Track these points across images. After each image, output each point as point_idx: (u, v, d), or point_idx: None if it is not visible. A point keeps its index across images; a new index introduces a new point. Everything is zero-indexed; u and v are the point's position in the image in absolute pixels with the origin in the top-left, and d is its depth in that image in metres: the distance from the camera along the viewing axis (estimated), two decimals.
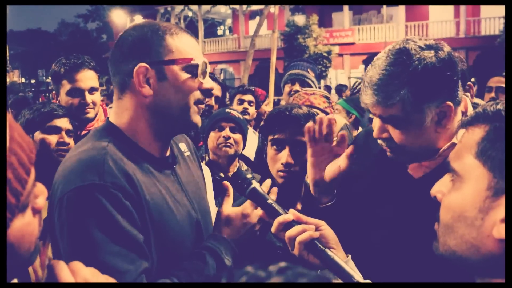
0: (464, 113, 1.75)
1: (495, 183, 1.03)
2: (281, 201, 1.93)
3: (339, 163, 1.73)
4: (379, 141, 1.76)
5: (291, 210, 1.59)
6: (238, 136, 3.27)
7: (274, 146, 2.11)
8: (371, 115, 3.48)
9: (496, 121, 1.06)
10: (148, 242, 1.48)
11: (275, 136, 2.10)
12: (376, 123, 1.71)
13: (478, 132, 1.09)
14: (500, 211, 1.02)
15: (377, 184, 1.79)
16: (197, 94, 1.62)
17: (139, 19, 35.49)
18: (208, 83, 1.65)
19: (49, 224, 1.50)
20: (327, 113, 3.03)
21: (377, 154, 1.89)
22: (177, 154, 1.79)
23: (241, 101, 4.77)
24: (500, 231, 1.01)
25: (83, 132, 3.13)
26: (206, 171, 2.90)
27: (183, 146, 1.88)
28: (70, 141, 2.76)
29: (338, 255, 1.50)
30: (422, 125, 1.63)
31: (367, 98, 1.67)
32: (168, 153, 1.72)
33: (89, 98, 3.14)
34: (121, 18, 36.97)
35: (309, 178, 1.83)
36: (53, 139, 2.71)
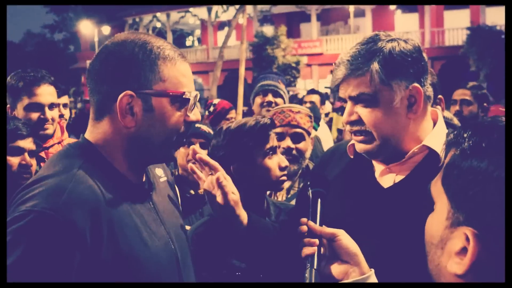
0: (434, 123, 1.75)
1: (452, 214, 0.99)
2: (253, 211, 1.93)
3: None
4: (348, 128, 1.73)
5: (303, 220, 1.54)
6: (207, 152, 3.20)
7: (270, 154, 2.09)
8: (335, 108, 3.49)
9: (459, 146, 1.00)
10: (117, 275, 1.35)
11: (269, 146, 2.09)
12: (346, 107, 1.70)
13: (448, 156, 1.04)
14: (455, 244, 0.97)
15: (347, 197, 1.76)
16: (181, 127, 1.50)
17: (106, 29, 35.22)
18: (195, 115, 1.52)
19: None
20: (309, 133, 3.01)
21: (345, 168, 1.87)
22: (153, 180, 1.64)
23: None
24: (452, 266, 0.97)
25: (42, 152, 3.06)
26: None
27: (159, 171, 1.74)
28: (33, 162, 2.65)
29: (351, 271, 1.45)
30: (392, 104, 1.62)
31: (338, 73, 1.68)
32: (144, 179, 1.59)
33: (49, 114, 3.04)
34: (88, 29, 36.61)
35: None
36: (15, 161, 2.58)
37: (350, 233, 1.52)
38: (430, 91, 1.70)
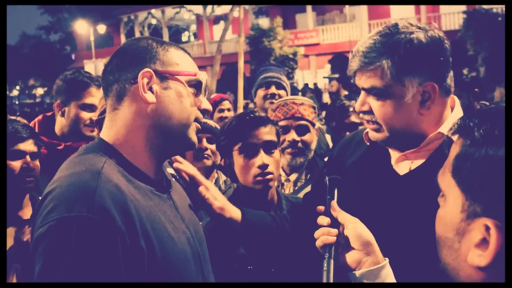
0: (452, 109, 1.74)
1: (467, 206, 0.97)
2: (261, 207, 1.93)
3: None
4: (361, 116, 1.74)
5: (319, 208, 1.57)
6: (215, 147, 3.15)
7: (244, 154, 2.08)
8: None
9: (469, 136, 0.99)
10: (151, 270, 1.36)
11: (245, 142, 2.08)
12: (360, 97, 1.72)
13: (455, 146, 1.03)
14: (474, 236, 0.96)
15: (363, 186, 1.76)
16: (197, 112, 1.57)
17: (102, 28, 35.13)
18: (206, 103, 1.60)
19: (16, 252, 1.39)
20: (313, 125, 3.00)
21: (361, 155, 1.88)
22: (169, 178, 1.68)
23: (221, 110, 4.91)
24: (474, 258, 0.96)
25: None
26: None
27: (171, 170, 1.79)
28: (36, 164, 2.62)
29: (364, 260, 1.45)
30: (403, 100, 1.62)
31: (353, 64, 1.69)
32: (161, 177, 1.61)
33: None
34: (83, 28, 36.48)
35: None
36: (16, 164, 2.54)
37: (366, 220, 1.53)
38: (450, 83, 1.68)
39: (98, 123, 2.95)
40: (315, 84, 25.68)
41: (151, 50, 1.51)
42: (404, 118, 1.65)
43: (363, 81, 1.67)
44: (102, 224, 1.26)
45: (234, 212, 1.77)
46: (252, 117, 2.12)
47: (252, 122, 2.11)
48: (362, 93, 1.70)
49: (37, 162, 2.63)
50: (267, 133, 2.11)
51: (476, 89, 4.69)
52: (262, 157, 2.05)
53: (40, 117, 3.32)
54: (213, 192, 1.76)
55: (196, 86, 1.55)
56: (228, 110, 5.01)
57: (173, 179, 1.73)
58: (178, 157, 1.78)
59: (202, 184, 1.75)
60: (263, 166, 2.04)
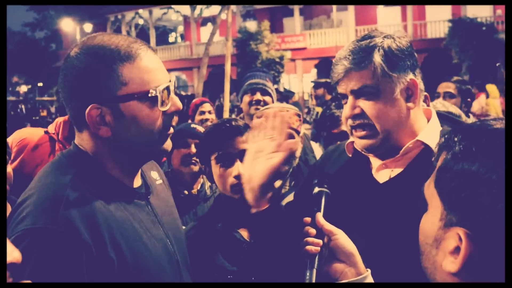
0: (428, 120, 1.81)
1: (445, 215, 1.03)
2: (242, 214, 1.93)
3: (272, 159, 1.67)
4: (350, 122, 1.76)
5: (317, 215, 1.56)
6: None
7: (220, 163, 2.08)
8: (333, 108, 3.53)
9: (451, 149, 1.05)
10: (123, 280, 1.35)
11: (221, 152, 2.09)
12: (348, 102, 1.74)
13: (440, 159, 1.08)
14: (449, 244, 1.01)
15: (345, 194, 1.78)
16: (160, 123, 1.46)
17: (88, 27, 34.86)
18: (174, 105, 1.49)
19: None
20: (298, 133, 3.02)
21: (343, 166, 1.91)
22: (149, 183, 1.64)
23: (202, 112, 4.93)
24: (447, 264, 1.02)
25: None
26: None
27: (154, 174, 1.74)
28: (9, 169, 2.54)
29: (346, 270, 1.49)
30: (393, 96, 1.68)
31: (339, 69, 1.72)
32: (140, 183, 1.59)
33: None
34: (70, 27, 36.20)
35: (249, 183, 1.73)
36: None
37: (348, 228, 1.56)
38: (422, 84, 1.76)
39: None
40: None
41: (93, 74, 1.38)
42: (396, 114, 1.70)
43: (352, 84, 1.70)
44: (66, 236, 1.26)
45: (277, 183, 1.78)
46: (228, 126, 2.11)
47: (228, 131, 2.11)
48: (350, 97, 1.73)
49: (9, 166, 2.59)
50: (243, 142, 2.11)
51: (469, 99, 4.77)
52: (238, 167, 2.05)
53: (66, 117, 3.15)
54: None
55: (153, 100, 1.43)
56: (209, 112, 5.04)
57: (157, 183, 1.71)
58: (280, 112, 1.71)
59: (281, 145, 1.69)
60: (239, 176, 2.03)
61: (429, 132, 1.73)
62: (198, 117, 4.96)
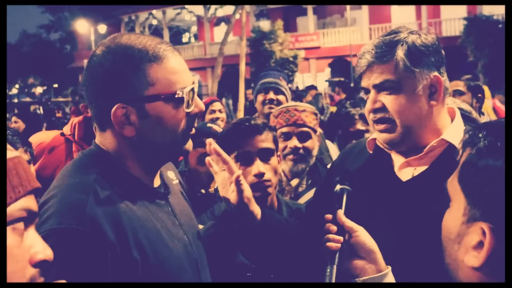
0: (452, 119, 1.80)
1: (468, 210, 1.04)
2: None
3: (232, 194, 1.67)
4: (371, 116, 1.75)
5: (338, 212, 1.56)
6: None
7: (240, 162, 2.08)
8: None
9: (475, 145, 1.05)
10: (146, 280, 1.35)
11: (240, 151, 2.08)
12: (370, 96, 1.74)
13: (464, 155, 1.09)
14: (472, 238, 1.02)
15: (367, 192, 1.77)
16: (184, 124, 1.47)
17: (103, 28, 35.13)
18: (197, 106, 1.50)
19: None
20: (315, 131, 3.02)
21: (364, 163, 1.89)
22: (168, 183, 1.64)
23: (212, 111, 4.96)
24: (469, 259, 1.02)
25: None
26: None
27: (171, 174, 1.73)
28: (32, 169, 2.63)
29: (367, 267, 1.49)
30: (415, 91, 1.67)
31: (362, 62, 1.73)
32: (159, 183, 1.58)
33: None
34: (84, 28, 36.48)
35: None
36: None
37: (370, 226, 1.56)
38: (447, 82, 1.75)
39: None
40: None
41: (121, 73, 1.38)
42: (417, 110, 1.69)
43: (374, 78, 1.71)
44: (92, 236, 1.27)
45: (257, 208, 1.73)
46: (247, 125, 2.11)
47: (247, 130, 2.10)
48: (373, 91, 1.73)
49: (32, 167, 2.63)
50: (262, 141, 2.11)
51: (479, 95, 4.78)
52: (258, 166, 2.05)
53: (80, 118, 3.17)
54: (244, 182, 1.69)
55: (178, 101, 1.44)
56: (220, 111, 5.05)
57: (173, 183, 1.71)
58: (211, 140, 1.70)
59: (234, 172, 1.67)
60: (260, 175, 2.03)
61: (454, 131, 1.72)
62: (208, 116, 4.96)
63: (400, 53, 1.66)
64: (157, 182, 1.58)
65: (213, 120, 4.82)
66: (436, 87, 1.70)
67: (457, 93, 4.72)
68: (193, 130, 1.54)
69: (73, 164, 1.48)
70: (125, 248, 1.32)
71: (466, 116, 1.89)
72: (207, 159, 1.71)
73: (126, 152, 1.46)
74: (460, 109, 1.92)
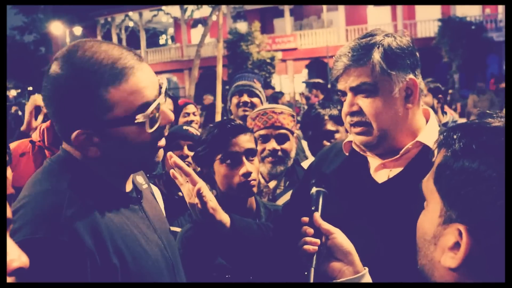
0: (426, 121, 1.82)
1: (444, 211, 1.05)
2: (240, 214, 1.93)
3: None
4: (348, 119, 1.77)
5: (314, 214, 1.57)
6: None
7: (226, 163, 2.08)
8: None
9: (450, 147, 1.06)
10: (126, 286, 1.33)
11: (227, 151, 2.09)
12: (347, 99, 1.75)
13: (439, 156, 1.10)
14: (448, 239, 1.03)
15: (343, 194, 1.79)
16: (150, 139, 1.41)
17: (78, 30, 34.75)
18: (164, 119, 1.42)
19: None
20: (293, 133, 3.03)
21: (340, 165, 1.91)
22: (139, 188, 1.61)
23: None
24: (446, 260, 1.03)
25: None
26: (156, 192, 2.83)
27: (140, 179, 1.69)
28: (8, 172, 2.59)
29: (344, 269, 1.50)
30: (391, 94, 1.69)
31: (339, 64, 1.73)
32: (131, 187, 1.55)
33: None
34: (59, 30, 35.99)
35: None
36: None
37: (346, 227, 1.57)
38: (422, 83, 1.77)
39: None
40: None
41: (77, 102, 1.30)
42: (393, 113, 1.70)
43: (351, 80, 1.72)
44: (70, 245, 1.22)
45: (224, 216, 1.74)
46: (233, 125, 2.13)
47: (233, 130, 2.11)
48: (349, 94, 1.74)
49: (9, 170, 2.58)
50: (247, 141, 2.13)
51: (440, 95, 4.97)
52: (246, 166, 2.06)
53: (48, 123, 3.04)
54: (207, 193, 1.69)
55: (143, 111, 1.35)
56: (194, 114, 5.02)
57: (143, 187, 1.69)
58: (171, 153, 1.69)
59: (197, 183, 1.66)
60: (247, 174, 2.04)
61: (429, 133, 1.74)
62: (182, 119, 4.91)
63: (377, 56, 1.67)
64: (129, 187, 1.54)
65: (188, 123, 4.79)
66: (412, 89, 1.72)
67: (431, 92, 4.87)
68: (163, 141, 1.48)
69: (43, 172, 1.43)
70: (104, 255, 1.29)
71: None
72: (171, 171, 1.69)
73: (95, 161, 1.41)
74: None
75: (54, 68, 1.35)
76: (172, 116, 1.45)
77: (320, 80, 10.71)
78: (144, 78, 1.37)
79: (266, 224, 1.99)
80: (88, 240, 1.26)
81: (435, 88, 5.04)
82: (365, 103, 1.71)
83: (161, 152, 1.50)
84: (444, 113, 4.99)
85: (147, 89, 1.37)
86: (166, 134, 1.49)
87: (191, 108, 5.02)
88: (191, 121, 4.86)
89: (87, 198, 1.34)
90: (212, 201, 1.68)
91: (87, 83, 1.30)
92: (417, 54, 1.77)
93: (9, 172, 2.60)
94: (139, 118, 1.34)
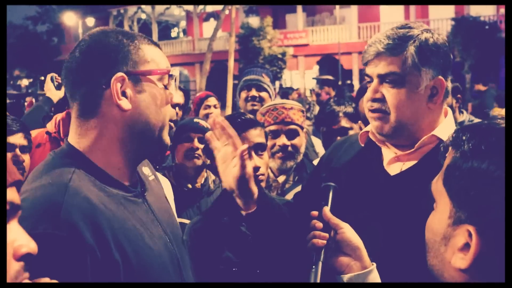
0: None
1: (454, 212, 1.05)
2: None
3: (234, 169, 1.61)
4: (369, 105, 1.76)
5: (324, 209, 1.57)
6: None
7: None
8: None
9: (459, 148, 1.07)
10: (129, 281, 1.30)
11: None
12: (372, 85, 1.75)
13: (449, 157, 1.10)
14: (458, 240, 1.04)
15: (355, 185, 1.79)
16: (171, 111, 1.49)
17: (91, 21, 34.85)
18: (177, 97, 1.53)
19: None
20: (302, 128, 3.03)
21: (354, 156, 1.91)
22: (144, 180, 1.60)
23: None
24: (456, 261, 1.04)
25: None
26: (166, 183, 2.84)
27: (146, 170, 1.68)
28: (26, 157, 2.63)
29: (352, 264, 1.51)
30: (417, 89, 1.68)
31: (371, 50, 1.73)
32: (136, 180, 1.54)
33: None
34: (72, 20, 36.12)
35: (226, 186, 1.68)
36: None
37: (356, 221, 1.57)
38: (450, 86, 1.76)
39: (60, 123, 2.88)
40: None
41: (122, 49, 1.40)
42: (415, 108, 1.70)
43: (380, 67, 1.71)
44: (70, 240, 1.20)
45: (254, 187, 1.67)
46: (243, 119, 2.13)
47: (243, 124, 2.11)
48: (376, 80, 1.74)
49: (27, 156, 2.63)
50: (257, 135, 2.13)
51: (458, 95, 4.88)
52: (254, 160, 2.06)
53: (63, 114, 3.09)
54: (247, 158, 1.62)
55: (168, 82, 1.49)
56: (215, 106, 5.02)
57: (150, 179, 1.66)
58: (216, 114, 1.67)
59: (238, 147, 1.60)
60: (255, 169, 2.04)
61: (445, 128, 1.73)
62: (203, 111, 4.92)
63: (412, 48, 1.67)
64: (133, 179, 1.52)
65: (207, 116, 4.77)
66: (438, 89, 1.71)
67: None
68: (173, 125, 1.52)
69: (45, 165, 1.41)
70: (105, 251, 1.27)
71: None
72: (208, 134, 1.65)
73: (104, 147, 1.41)
74: None
75: (94, 30, 1.47)
76: (182, 99, 1.57)
77: (330, 77, 10.67)
78: (165, 56, 1.53)
79: (286, 209, 1.97)
80: (88, 235, 1.24)
81: (454, 88, 4.98)
82: (389, 93, 1.70)
83: (168, 138, 1.52)
84: (461, 112, 4.94)
85: (168, 63, 1.52)
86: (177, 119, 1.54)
87: (212, 100, 5.01)
88: (211, 113, 4.85)
89: (88, 193, 1.32)
90: (249, 168, 1.62)
91: (131, 36, 1.44)
92: (451, 55, 1.76)
93: (27, 158, 2.64)
94: (172, 72, 1.48)
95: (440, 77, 1.70)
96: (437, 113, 1.76)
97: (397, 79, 1.68)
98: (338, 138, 3.25)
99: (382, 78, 1.71)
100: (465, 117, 4.83)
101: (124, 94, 1.39)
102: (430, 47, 1.68)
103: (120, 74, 1.37)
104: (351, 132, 3.31)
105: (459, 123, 3.21)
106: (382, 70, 1.70)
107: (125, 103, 1.38)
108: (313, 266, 1.47)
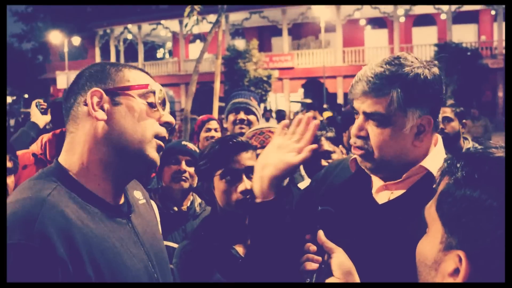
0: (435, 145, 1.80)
1: (445, 238, 1.07)
2: (238, 230, 1.93)
3: (293, 157, 1.68)
4: (353, 140, 1.76)
5: (319, 232, 1.59)
6: (193, 170, 3.13)
7: (226, 179, 2.08)
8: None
9: (453, 175, 1.08)
10: None
11: (227, 168, 2.08)
12: (357, 121, 1.73)
13: (442, 183, 1.12)
14: (449, 265, 1.04)
15: (343, 211, 1.78)
16: (156, 127, 1.50)
17: (76, 40, 34.86)
18: (167, 116, 1.53)
19: None
20: None
21: (344, 182, 1.91)
22: (132, 202, 1.62)
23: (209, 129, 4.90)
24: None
25: None
26: (153, 206, 2.83)
27: (138, 194, 1.71)
28: (9, 180, 2.60)
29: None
30: (402, 130, 1.66)
31: (357, 88, 1.70)
32: (122, 201, 1.56)
33: None
34: (58, 39, 36.11)
35: (260, 173, 1.72)
36: None
37: (345, 246, 1.58)
38: (440, 120, 1.74)
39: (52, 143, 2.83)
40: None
41: (104, 71, 1.50)
42: (399, 147, 1.69)
43: (366, 105, 1.69)
44: (41, 252, 1.22)
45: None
46: (235, 142, 2.12)
47: (235, 147, 2.11)
48: (361, 117, 1.73)
49: (12, 177, 2.59)
50: (249, 159, 2.12)
51: (464, 121, 4.82)
52: (245, 183, 2.06)
53: (49, 135, 3.10)
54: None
55: (150, 98, 1.51)
56: (216, 130, 4.96)
57: (139, 202, 1.68)
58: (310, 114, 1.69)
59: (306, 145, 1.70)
60: (246, 192, 2.04)
61: (433, 158, 1.73)
62: (204, 134, 4.86)
63: (397, 91, 1.64)
64: (120, 200, 1.55)
65: (208, 139, 4.75)
66: (425, 127, 1.69)
67: (446, 120, 4.72)
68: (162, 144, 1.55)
69: (29, 181, 1.45)
70: (78, 265, 1.28)
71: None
72: (283, 122, 1.77)
73: (87, 163, 1.45)
74: None
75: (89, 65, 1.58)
76: (172, 119, 1.58)
77: (308, 100, 10.75)
78: (153, 80, 1.60)
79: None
80: (61, 248, 1.25)
81: (461, 113, 4.87)
82: (373, 132, 1.70)
83: (156, 155, 1.52)
84: (465, 138, 4.89)
85: (155, 83, 1.57)
86: (166, 137, 1.56)
87: (213, 124, 4.94)
88: (212, 137, 4.81)
89: (67, 208, 1.34)
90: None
91: (117, 64, 1.54)
92: (444, 86, 1.73)
93: (10, 180, 2.61)
94: (151, 87, 1.52)
95: (427, 116, 1.68)
96: (424, 148, 1.74)
97: (382, 119, 1.67)
98: (322, 160, 3.28)
99: (368, 116, 1.71)
100: (470, 144, 4.78)
101: (102, 107, 1.45)
102: (419, 87, 1.64)
103: (95, 88, 1.45)
104: (334, 156, 3.34)
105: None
106: (368, 108, 1.69)
107: (99, 114, 1.44)
108: None
